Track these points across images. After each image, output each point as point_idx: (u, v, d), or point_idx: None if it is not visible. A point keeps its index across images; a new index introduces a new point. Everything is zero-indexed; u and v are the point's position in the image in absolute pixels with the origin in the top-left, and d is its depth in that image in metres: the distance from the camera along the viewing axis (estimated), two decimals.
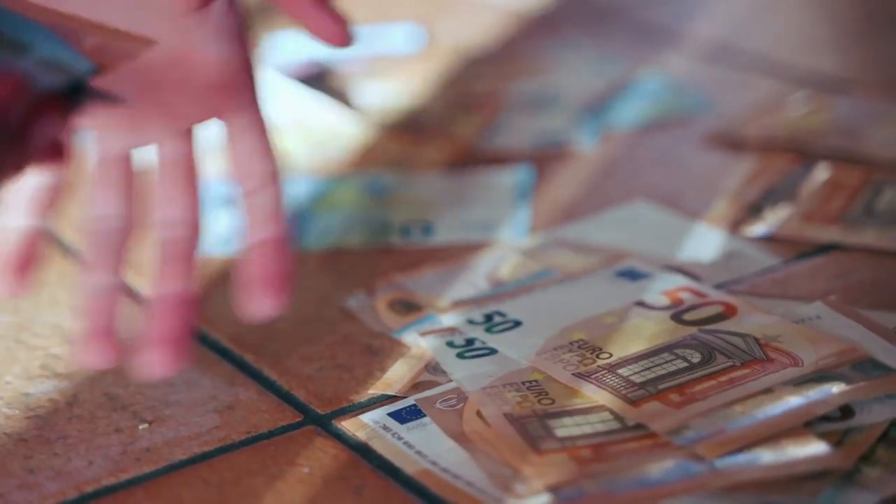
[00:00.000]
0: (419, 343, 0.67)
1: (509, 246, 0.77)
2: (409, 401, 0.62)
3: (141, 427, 0.62)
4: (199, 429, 0.62)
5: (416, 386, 0.63)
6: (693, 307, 0.67)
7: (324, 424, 0.62)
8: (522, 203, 0.82)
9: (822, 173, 0.82)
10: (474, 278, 0.73)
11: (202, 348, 0.69)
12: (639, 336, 0.64)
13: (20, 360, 0.68)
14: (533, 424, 0.59)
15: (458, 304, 0.70)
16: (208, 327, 0.70)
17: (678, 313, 0.66)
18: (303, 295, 0.73)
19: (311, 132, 0.94)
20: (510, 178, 0.85)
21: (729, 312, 0.66)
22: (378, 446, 0.59)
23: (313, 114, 0.96)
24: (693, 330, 0.64)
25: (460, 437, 0.59)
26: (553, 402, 0.60)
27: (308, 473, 0.59)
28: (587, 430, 0.58)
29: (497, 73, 1.03)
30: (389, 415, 0.61)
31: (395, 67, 1.05)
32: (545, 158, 0.88)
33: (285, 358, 0.67)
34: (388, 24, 1.14)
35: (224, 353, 0.68)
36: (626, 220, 0.79)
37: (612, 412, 0.59)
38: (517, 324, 0.67)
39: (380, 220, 0.81)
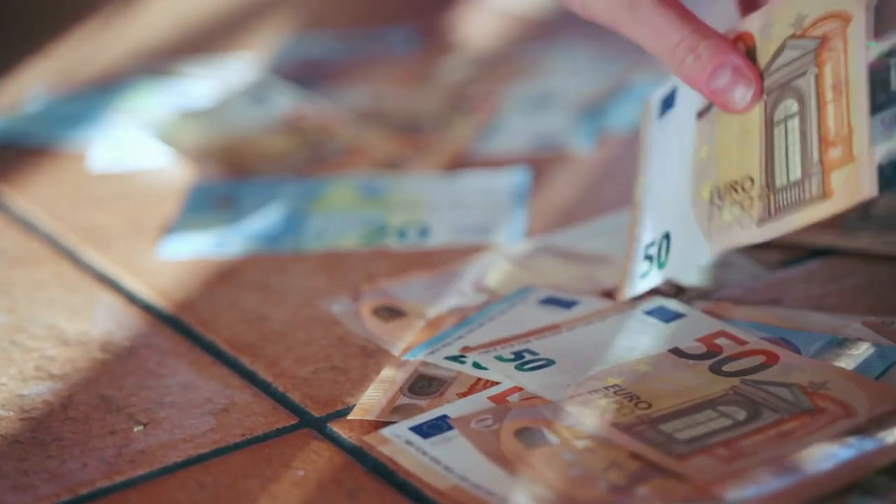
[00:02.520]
0: (427, 363, 0.65)
1: (498, 253, 0.77)
2: (427, 416, 0.61)
3: (136, 429, 0.62)
4: (195, 431, 0.62)
5: (396, 409, 0.62)
6: (732, 358, 0.63)
7: (319, 427, 0.62)
8: (519, 206, 0.82)
9: None
10: (460, 285, 0.73)
11: (197, 350, 0.69)
12: (676, 387, 0.61)
13: (15, 362, 0.68)
14: (648, 432, 0.57)
15: (482, 345, 0.66)
16: (204, 329, 0.70)
17: (717, 364, 0.63)
18: (298, 297, 0.73)
19: (306, 133, 0.94)
20: (507, 180, 0.85)
21: (770, 362, 0.62)
22: (404, 461, 0.58)
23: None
24: (735, 381, 0.61)
25: (499, 458, 0.58)
26: (649, 405, 0.59)
27: (303, 476, 0.59)
28: (704, 429, 0.57)
29: (494, 74, 1.03)
30: (411, 429, 0.60)
31: (392, 68, 1.05)
32: (542, 161, 0.88)
33: (281, 360, 0.67)
34: (386, 25, 1.14)
35: (219, 356, 0.68)
36: (620, 227, 0.79)
37: (715, 410, 0.58)
38: (549, 363, 0.64)
39: (376, 221, 0.81)
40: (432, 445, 0.59)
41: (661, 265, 0.65)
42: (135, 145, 0.92)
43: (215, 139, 0.93)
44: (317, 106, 0.98)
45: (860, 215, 0.78)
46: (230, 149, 0.92)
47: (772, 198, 0.60)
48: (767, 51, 0.61)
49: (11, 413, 0.64)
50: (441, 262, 0.76)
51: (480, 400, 0.62)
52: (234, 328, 0.70)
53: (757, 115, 0.61)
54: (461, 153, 0.90)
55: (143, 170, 0.90)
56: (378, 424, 0.61)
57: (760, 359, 0.63)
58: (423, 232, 0.80)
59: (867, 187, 0.56)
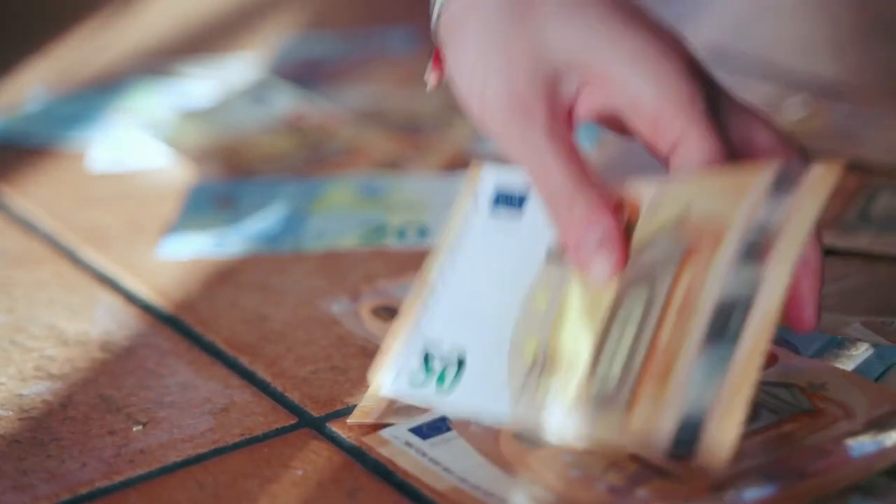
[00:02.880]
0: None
1: None
2: (426, 417, 0.60)
3: (135, 429, 0.62)
4: (194, 431, 0.62)
5: (396, 411, 0.61)
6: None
7: (318, 427, 0.62)
8: None
9: None
10: None
11: (197, 350, 0.69)
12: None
13: (14, 362, 0.68)
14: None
15: (387, 363, 0.62)
16: (203, 329, 0.70)
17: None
18: (298, 296, 0.73)
19: (306, 133, 0.94)
20: None
21: (769, 363, 0.61)
22: (403, 463, 0.58)
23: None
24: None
25: (498, 459, 0.57)
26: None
27: (302, 476, 0.59)
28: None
29: None
30: (411, 430, 0.60)
31: (392, 68, 1.05)
32: None
33: (280, 360, 0.67)
34: (386, 25, 1.14)
35: (219, 356, 0.68)
36: None
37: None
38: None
39: (376, 221, 0.81)
40: (432, 447, 0.59)
41: (442, 386, 0.59)
42: (135, 145, 0.93)
43: (215, 139, 0.93)
44: (317, 106, 0.98)
45: (860, 216, 0.78)
46: (230, 149, 0.92)
47: (587, 391, 0.54)
48: (646, 230, 0.55)
49: (11, 413, 0.64)
50: None
51: None
52: (234, 328, 0.70)
53: (609, 294, 0.55)
54: (461, 153, 0.90)
55: (143, 170, 0.90)
56: (378, 426, 0.61)
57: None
58: (423, 232, 0.80)
59: (660, 440, 0.50)
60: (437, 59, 0.62)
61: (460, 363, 0.60)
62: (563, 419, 0.55)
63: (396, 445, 0.59)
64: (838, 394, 0.59)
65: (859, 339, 0.64)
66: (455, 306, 0.61)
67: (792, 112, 0.93)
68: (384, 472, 0.58)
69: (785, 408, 0.59)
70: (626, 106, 0.57)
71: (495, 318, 0.60)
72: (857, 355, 0.63)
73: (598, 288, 0.56)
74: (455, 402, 0.59)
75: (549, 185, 0.57)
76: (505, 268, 0.59)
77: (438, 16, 0.59)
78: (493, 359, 0.59)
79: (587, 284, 0.57)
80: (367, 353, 0.67)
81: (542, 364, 0.57)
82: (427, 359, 0.60)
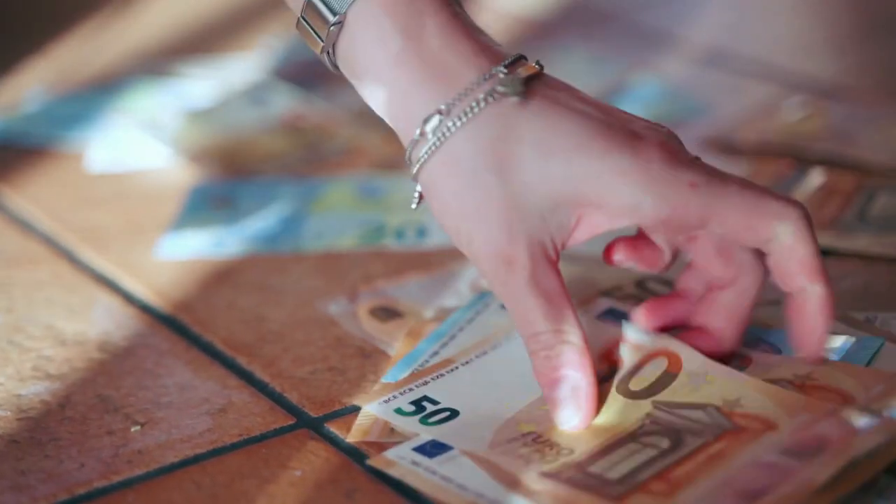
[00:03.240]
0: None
1: None
2: (426, 437, 0.59)
3: (133, 429, 0.62)
4: (192, 431, 0.62)
5: (393, 432, 0.61)
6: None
7: (316, 427, 0.62)
8: None
9: (816, 178, 0.83)
10: (458, 286, 0.73)
11: (195, 351, 0.69)
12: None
13: (13, 362, 0.68)
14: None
15: (379, 391, 0.63)
16: (201, 329, 0.70)
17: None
18: (296, 297, 0.73)
19: (305, 133, 0.94)
20: None
21: (673, 368, 0.60)
22: (414, 482, 0.57)
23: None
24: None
25: (500, 476, 0.57)
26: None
27: (300, 477, 0.59)
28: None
29: None
30: (415, 450, 0.58)
31: None
32: None
33: (278, 360, 0.67)
34: None
35: (217, 356, 0.68)
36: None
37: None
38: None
39: (374, 222, 0.81)
40: (440, 464, 0.58)
41: (424, 422, 0.61)
42: (134, 145, 0.93)
43: (215, 139, 0.94)
44: (315, 106, 0.98)
45: (859, 217, 0.78)
46: (229, 149, 0.92)
47: (575, 472, 0.56)
48: (686, 394, 0.59)
49: (9, 413, 0.64)
50: (438, 262, 0.76)
51: None
52: (232, 328, 0.71)
53: (626, 424, 0.58)
54: None
55: (142, 170, 0.90)
56: (381, 446, 0.60)
57: (663, 364, 0.61)
58: (421, 232, 0.80)
59: None
60: None
61: (452, 413, 0.61)
62: (531, 472, 0.56)
63: (404, 466, 0.58)
64: (756, 408, 0.58)
65: (835, 334, 0.63)
66: (466, 381, 0.64)
67: (791, 112, 0.93)
68: (382, 473, 0.58)
69: (707, 430, 0.57)
70: (632, 221, 0.59)
71: (500, 405, 0.62)
72: (837, 348, 0.63)
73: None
74: (434, 431, 0.60)
75: (530, 330, 0.59)
76: (526, 367, 0.61)
77: (418, 170, 0.61)
78: (483, 421, 0.60)
79: (601, 411, 0.60)
80: (365, 353, 0.68)
81: (533, 439, 0.59)
82: (420, 404, 0.62)
